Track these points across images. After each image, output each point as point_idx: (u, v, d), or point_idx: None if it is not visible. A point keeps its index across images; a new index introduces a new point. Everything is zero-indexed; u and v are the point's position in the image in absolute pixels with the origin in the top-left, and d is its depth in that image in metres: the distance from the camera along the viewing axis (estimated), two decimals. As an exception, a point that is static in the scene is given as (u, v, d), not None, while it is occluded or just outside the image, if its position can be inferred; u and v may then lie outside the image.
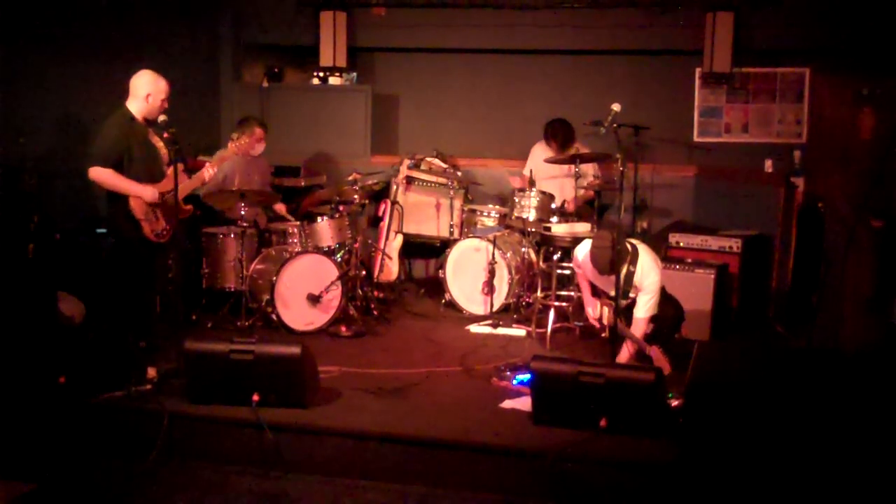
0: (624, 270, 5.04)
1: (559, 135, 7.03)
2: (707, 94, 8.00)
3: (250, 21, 8.38)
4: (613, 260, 4.91)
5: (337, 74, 8.33)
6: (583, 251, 5.36)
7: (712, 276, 6.08)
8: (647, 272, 5.12)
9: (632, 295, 5.19)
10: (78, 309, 5.49)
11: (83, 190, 5.93)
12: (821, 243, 6.31)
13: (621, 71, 8.07)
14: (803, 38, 7.49)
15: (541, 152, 7.18)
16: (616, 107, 5.39)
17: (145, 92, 5.12)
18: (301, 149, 8.07)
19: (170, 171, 5.25)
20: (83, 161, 5.08)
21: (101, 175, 5.01)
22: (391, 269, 7.50)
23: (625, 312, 5.21)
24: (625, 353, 5.25)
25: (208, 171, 5.45)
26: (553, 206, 6.49)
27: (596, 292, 5.49)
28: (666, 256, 6.39)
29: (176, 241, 5.34)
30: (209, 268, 6.38)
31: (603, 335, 5.20)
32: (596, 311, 5.44)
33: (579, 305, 6.18)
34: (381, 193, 7.73)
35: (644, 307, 5.15)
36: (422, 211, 7.58)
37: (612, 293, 5.04)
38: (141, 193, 5.05)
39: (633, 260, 5.11)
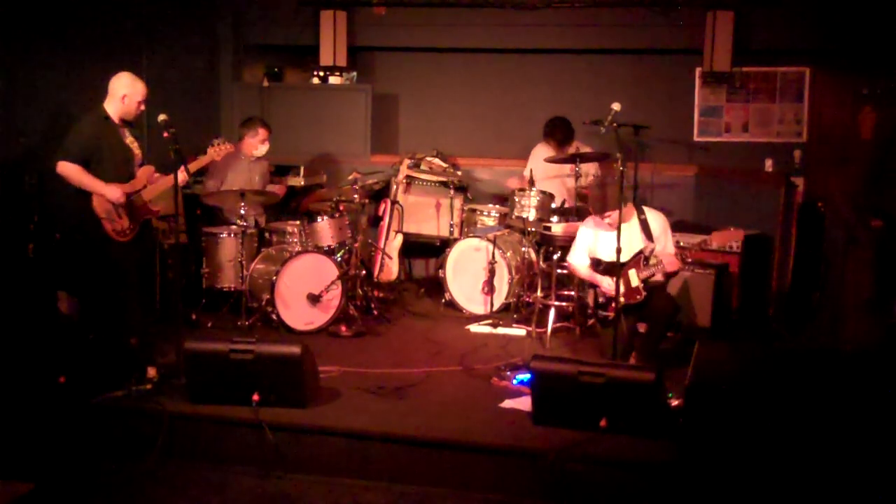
0: (634, 217, 5.34)
1: (558, 132, 7.02)
2: (707, 93, 8.01)
3: (250, 21, 8.38)
4: (616, 193, 5.14)
5: (337, 74, 8.34)
6: (581, 244, 5.57)
7: (712, 276, 6.08)
8: (655, 214, 5.45)
9: (646, 242, 5.30)
10: (75, 308, 5.50)
11: (82, 190, 5.93)
12: (821, 243, 6.32)
13: (621, 70, 8.08)
14: (803, 37, 7.49)
15: (541, 152, 7.17)
16: (616, 106, 5.38)
17: (122, 93, 5.13)
18: (301, 148, 8.07)
19: (139, 171, 5.26)
20: (53, 157, 5.06)
21: (68, 170, 5.00)
22: (391, 268, 7.50)
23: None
24: (659, 276, 5.31)
25: (182, 175, 5.44)
26: (553, 205, 6.50)
27: (605, 271, 5.41)
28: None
29: (143, 239, 5.32)
30: (209, 268, 6.37)
31: (638, 297, 5.20)
32: (612, 285, 5.21)
33: (580, 307, 6.20)
34: (381, 193, 7.73)
35: (670, 243, 5.38)
36: (422, 210, 7.58)
37: (622, 255, 5.10)
38: (105, 192, 5.03)
39: (640, 210, 5.39)
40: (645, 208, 5.49)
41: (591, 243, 5.51)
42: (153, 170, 5.30)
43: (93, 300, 5.32)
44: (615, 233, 5.02)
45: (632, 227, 5.31)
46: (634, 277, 5.23)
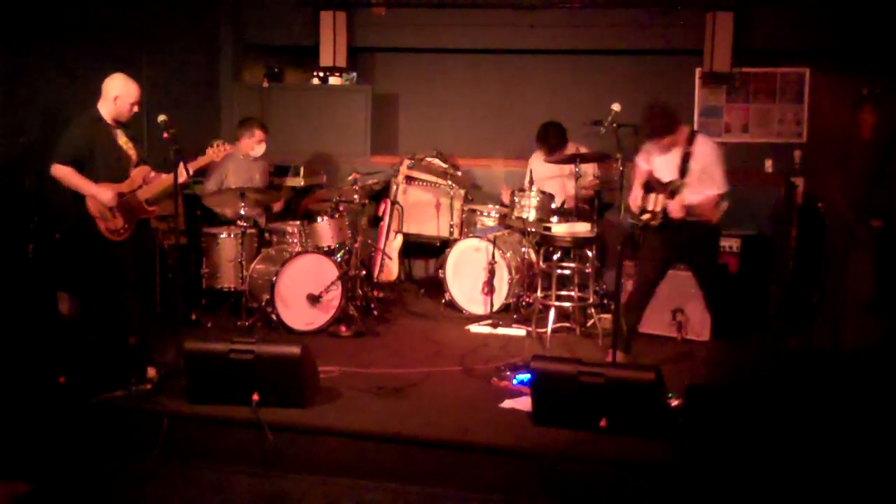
0: (681, 151, 5.25)
1: (549, 138, 7.01)
2: (707, 93, 8.01)
3: (250, 21, 8.38)
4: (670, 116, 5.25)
5: (337, 74, 8.34)
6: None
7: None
8: (702, 144, 5.27)
9: (687, 179, 5.26)
10: (75, 308, 5.49)
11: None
12: (821, 243, 6.32)
13: (621, 71, 8.08)
14: (803, 38, 7.49)
15: (540, 156, 7.18)
16: (616, 107, 5.38)
17: (114, 94, 5.13)
18: (301, 149, 8.07)
19: (133, 172, 5.24)
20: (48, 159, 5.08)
21: (61, 172, 5.02)
22: (391, 269, 7.50)
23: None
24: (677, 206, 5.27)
25: (182, 175, 5.43)
26: (553, 206, 6.49)
27: (650, 189, 5.44)
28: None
29: (141, 239, 5.32)
30: (209, 268, 6.37)
31: (653, 222, 5.23)
32: (649, 203, 5.34)
33: (581, 309, 6.21)
34: (381, 193, 7.72)
35: (709, 181, 5.24)
36: (422, 211, 7.58)
37: (668, 178, 5.23)
38: (96, 194, 5.04)
39: (690, 140, 5.27)
40: (700, 138, 5.38)
41: (647, 165, 5.52)
42: (149, 170, 5.29)
43: (93, 300, 5.32)
44: (667, 156, 5.28)
45: (674, 156, 5.31)
46: (654, 202, 5.28)
